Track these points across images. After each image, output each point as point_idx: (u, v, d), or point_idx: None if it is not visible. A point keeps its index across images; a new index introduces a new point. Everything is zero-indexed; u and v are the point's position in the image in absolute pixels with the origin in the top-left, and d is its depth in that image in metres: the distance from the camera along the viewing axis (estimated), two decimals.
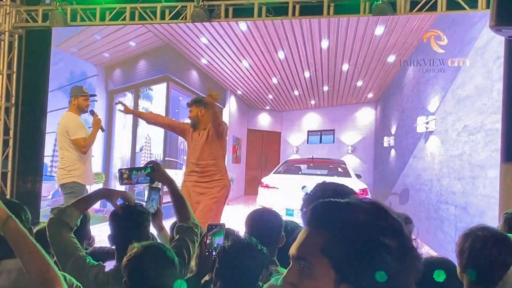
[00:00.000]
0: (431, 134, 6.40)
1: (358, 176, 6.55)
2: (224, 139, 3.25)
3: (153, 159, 5.97)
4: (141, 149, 6.41)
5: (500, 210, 4.31)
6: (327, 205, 0.64)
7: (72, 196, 3.75)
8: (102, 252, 2.06)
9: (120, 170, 1.81)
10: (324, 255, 0.60)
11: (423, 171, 6.36)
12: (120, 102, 3.69)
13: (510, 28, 2.86)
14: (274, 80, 6.37)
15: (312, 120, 7.49)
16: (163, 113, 6.20)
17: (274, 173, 5.23)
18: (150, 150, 6.72)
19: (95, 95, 4.98)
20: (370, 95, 7.78)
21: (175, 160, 6.90)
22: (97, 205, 5.67)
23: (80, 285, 1.33)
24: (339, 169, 5.26)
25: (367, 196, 4.66)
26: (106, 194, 1.71)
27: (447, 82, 5.78)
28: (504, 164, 4.27)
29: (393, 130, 7.64)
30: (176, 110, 6.75)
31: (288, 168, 5.48)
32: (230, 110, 6.81)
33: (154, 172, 1.75)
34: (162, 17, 5.38)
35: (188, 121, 3.92)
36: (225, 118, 6.64)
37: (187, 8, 5.19)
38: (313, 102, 7.14)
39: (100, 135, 5.24)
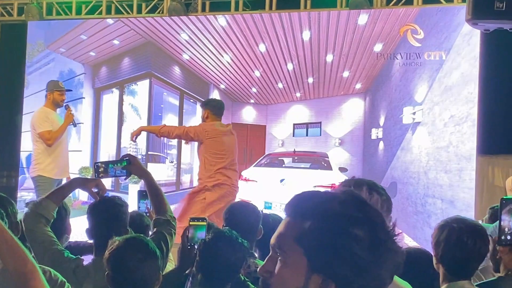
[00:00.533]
0: (419, 125, 6.42)
1: (344, 169, 6.61)
2: (202, 142, 3.28)
3: (138, 153, 6.14)
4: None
5: (476, 204, 4.41)
6: (306, 195, 0.66)
7: (39, 189, 3.83)
8: (79, 247, 2.09)
9: (96, 163, 1.81)
10: (297, 244, 0.61)
11: (411, 163, 6.41)
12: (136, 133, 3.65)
13: (486, 21, 2.92)
14: (257, 73, 6.39)
15: (298, 113, 7.53)
16: (146, 109, 6.30)
17: (254, 166, 5.29)
18: (136, 144, 6.89)
19: (70, 90, 5.05)
20: (358, 86, 7.79)
21: (158, 154, 6.99)
22: (84, 197, 5.80)
23: (65, 281, 1.34)
24: (322, 162, 5.32)
25: None
26: (80, 183, 1.72)
27: (433, 70, 5.79)
28: (480, 157, 4.35)
29: (381, 122, 7.65)
30: (162, 105, 6.85)
31: (271, 161, 5.53)
32: None
33: (130, 165, 1.76)
34: (139, 11, 5.36)
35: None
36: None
37: (164, 2, 5.17)
38: (298, 94, 7.16)
39: (88, 131, 5.89)
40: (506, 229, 1.35)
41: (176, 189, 6.07)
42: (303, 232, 0.61)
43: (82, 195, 6.00)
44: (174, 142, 6.39)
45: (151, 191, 1.76)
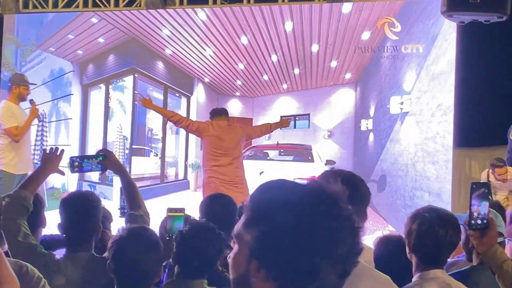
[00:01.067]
0: (407, 115, 6.31)
1: (332, 162, 6.70)
2: (202, 138, 3.48)
3: (125, 146, 6.34)
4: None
5: (453, 197, 4.54)
6: (267, 184, 0.67)
7: (1, 184, 3.93)
8: (54, 241, 2.12)
9: (71, 158, 1.84)
10: (245, 231, 0.63)
11: (400, 155, 6.49)
12: (139, 94, 3.80)
13: (461, 13, 3.02)
14: (241, 66, 6.46)
15: (285, 105, 7.59)
16: (130, 104, 6.48)
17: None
18: (122, 138, 7.10)
19: (35, 84, 5.20)
20: (348, 76, 7.83)
21: (143, 147, 7.17)
22: (72, 188, 6.04)
23: (42, 277, 1.35)
24: (305, 155, 5.43)
25: None
26: (51, 168, 1.76)
27: (421, 58, 5.80)
28: (456, 149, 4.47)
29: (371, 112, 7.70)
30: (136, 103, 6.97)
31: (255, 154, 5.65)
32: (198, 98, 6.93)
33: (106, 160, 1.82)
34: (116, 4, 5.44)
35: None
36: (193, 106, 6.85)
37: None
38: (285, 86, 7.23)
39: (77, 126, 6.37)
40: (476, 214, 1.40)
41: (160, 182, 6.23)
42: (248, 220, 0.64)
43: (71, 187, 6.23)
44: (159, 135, 6.56)
45: (126, 187, 1.83)
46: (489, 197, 1.41)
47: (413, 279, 1.47)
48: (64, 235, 1.70)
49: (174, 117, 3.70)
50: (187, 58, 6.38)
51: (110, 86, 6.51)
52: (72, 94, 6.48)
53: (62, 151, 1.80)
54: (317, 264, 0.60)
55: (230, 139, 3.73)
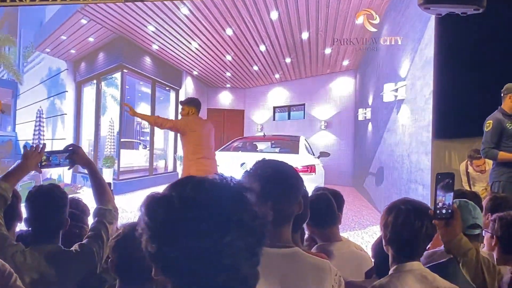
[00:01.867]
0: (402, 103, 6.36)
1: (326, 154, 6.82)
2: (185, 134, 3.78)
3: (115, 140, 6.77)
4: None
5: (431, 185, 4.69)
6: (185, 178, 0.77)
7: None
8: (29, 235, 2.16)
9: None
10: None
11: (396, 146, 6.54)
12: (127, 105, 4.16)
13: (438, 5, 3.14)
14: (229, 57, 6.71)
15: (279, 96, 7.74)
16: (118, 98, 6.89)
17: (220, 150, 5.69)
18: (113, 132, 7.58)
19: None
20: (346, 63, 7.92)
21: (132, 140, 7.58)
22: (68, 180, 6.58)
23: (13, 272, 1.42)
24: (292, 146, 5.62)
25: (313, 174, 5.00)
26: (31, 165, 1.87)
27: (416, 41, 5.91)
28: (435, 141, 4.62)
29: (370, 101, 7.71)
30: (139, 95, 7.45)
31: (243, 146, 5.89)
32: (186, 91, 7.24)
33: (74, 155, 1.92)
34: None
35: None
36: (182, 99, 7.11)
37: None
38: (277, 76, 7.39)
39: (71, 120, 7.27)
40: (440, 204, 1.50)
41: (149, 174, 6.58)
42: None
43: (66, 178, 6.75)
44: (148, 129, 6.91)
45: (94, 181, 1.91)
46: (454, 187, 1.53)
47: (390, 272, 1.58)
48: (30, 229, 1.78)
49: (157, 122, 4.01)
50: (174, 52, 6.72)
51: (103, 82, 7.02)
52: (67, 91, 7.28)
53: (43, 148, 1.92)
54: (175, 263, 0.69)
55: (207, 132, 4.04)
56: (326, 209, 2.06)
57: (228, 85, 7.47)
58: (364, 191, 7.52)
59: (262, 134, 6.70)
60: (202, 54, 6.62)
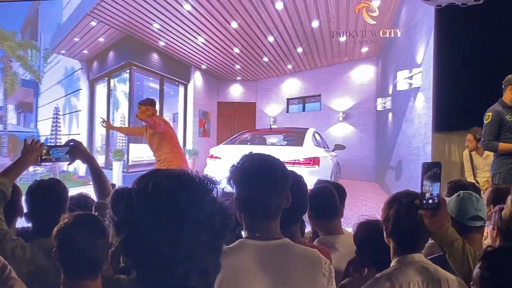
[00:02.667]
0: (418, 91, 6.76)
1: (341, 147, 7.38)
2: (164, 131, 4.57)
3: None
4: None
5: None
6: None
7: None
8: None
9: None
10: None
11: (413, 137, 6.97)
12: (105, 121, 5.08)
13: None
14: (236, 50, 7.41)
15: (292, 87, 8.31)
16: (126, 94, 7.83)
17: (224, 144, 6.45)
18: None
19: None
20: (365, 50, 8.38)
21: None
22: (82, 172, 7.69)
23: (7, 264, 1.58)
24: (297, 138, 6.26)
25: (316, 166, 5.60)
26: (32, 160, 2.10)
27: (430, 25, 6.17)
28: (435, 133, 5.15)
29: (390, 90, 8.15)
30: (151, 90, 8.40)
31: (251, 139, 6.60)
32: (195, 85, 8.05)
33: (74, 150, 2.12)
34: None
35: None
36: (190, 93, 7.97)
37: None
38: (290, 66, 8.00)
39: (85, 116, 8.42)
40: (427, 194, 1.65)
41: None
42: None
43: (81, 171, 7.82)
44: None
45: (95, 176, 2.10)
46: (440, 177, 1.67)
47: (392, 264, 1.74)
48: (31, 224, 1.95)
49: (134, 133, 4.89)
50: (181, 48, 7.62)
51: (115, 79, 8.05)
52: (81, 89, 8.55)
53: (42, 143, 2.15)
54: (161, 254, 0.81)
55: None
56: (328, 202, 2.27)
57: (238, 78, 8.19)
58: (385, 187, 8.00)
59: (269, 127, 7.37)
60: (209, 48, 7.42)
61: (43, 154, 2.13)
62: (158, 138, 5.08)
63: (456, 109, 5.05)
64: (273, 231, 1.42)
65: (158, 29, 7.14)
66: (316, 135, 6.85)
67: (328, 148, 7.46)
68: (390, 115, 8.18)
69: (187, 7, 6.43)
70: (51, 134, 8.34)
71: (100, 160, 8.51)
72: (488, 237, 2.17)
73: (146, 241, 0.82)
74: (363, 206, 6.86)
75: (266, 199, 1.40)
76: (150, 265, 0.83)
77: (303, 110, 8.44)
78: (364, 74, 8.74)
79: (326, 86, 8.34)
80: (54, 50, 8.07)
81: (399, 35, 6.18)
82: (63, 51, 8.04)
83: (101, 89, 8.46)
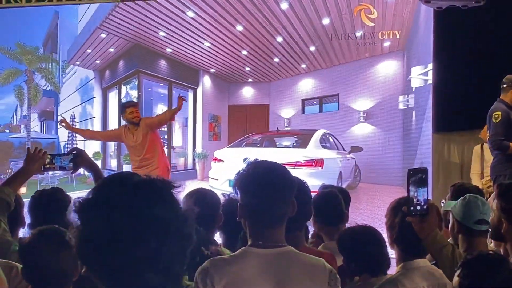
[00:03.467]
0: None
1: (358, 149, 7.92)
2: (154, 132, 5.41)
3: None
4: None
5: (432, 180, 5.73)
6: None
7: None
8: None
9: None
10: None
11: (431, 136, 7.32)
12: (62, 121, 5.95)
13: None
14: (244, 52, 8.13)
15: (308, 87, 8.88)
16: (136, 100, 8.84)
17: (229, 146, 7.20)
18: None
19: None
20: (387, 44, 8.86)
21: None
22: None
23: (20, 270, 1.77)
24: (303, 140, 6.93)
25: (319, 168, 6.24)
26: (34, 168, 2.27)
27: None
28: (435, 134, 5.68)
29: (414, 86, 8.57)
30: (162, 95, 9.41)
31: (262, 141, 7.32)
32: (204, 89, 8.88)
33: (78, 158, 2.30)
34: None
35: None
36: (199, 97, 8.84)
37: None
38: (304, 66, 8.61)
39: (98, 123, 9.89)
40: (415, 200, 1.80)
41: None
42: None
43: None
44: (165, 128, 8.80)
45: None
46: (427, 182, 1.82)
47: (397, 269, 1.90)
48: None
49: (104, 139, 5.76)
50: (188, 53, 8.66)
51: (127, 86, 9.27)
52: (95, 97, 9.98)
53: (45, 152, 2.32)
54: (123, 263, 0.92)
55: None
56: (334, 207, 2.48)
57: (250, 80, 8.90)
58: None
59: (276, 129, 8.06)
60: (216, 52, 8.27)
61: (46, 162, 2.32)
62: (150, 139, 5.86)
63: (455, 110, 5.56)
64: (277, 239, 1.55)
65: (164, 36, 8.19)
66: (328, 137, 7.45)
67: (343, 150, 8.02)
68: (414, 113, 8.59)
69: (190, 14, 7.32)
70: (68, 140, 9.74)
71: (113, 163, 9.77)
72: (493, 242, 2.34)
73: (99, 249, 0.93)
74: (379, 211, 7.35)
75: (271, 207, 1.53)
76: (103, 275, 0.95)
77: (320, 111, 9.00)
78: (388, 70, 9.20)
79: (344, 84, 8.86)
80: (70, 62, 9.60)
81: (397, 36, 6.70)
82: (78, 62, 9.50)
83: (113, 97, 9.69)
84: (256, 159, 1.66)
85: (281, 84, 8.95)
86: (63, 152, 2.48)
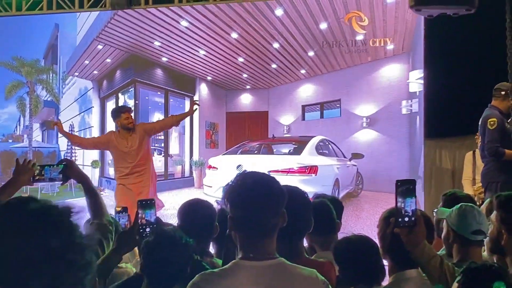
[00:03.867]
0: None
1: (359, 156, 8.17)
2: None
3: None
4: None
5: (424, 186, 6.01)
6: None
7: None
8: None
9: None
10: None
11: None
12: (57, 123, 6.28)
13: (429, 7, 4.17)
14: (241, 59, 8.50)
15: (308, 93, 9.14)
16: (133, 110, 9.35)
17: (224, 154, 7.57)
18: None
19: None
20: (390, 47, 9.10)
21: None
22: (95, 183, 9.35)
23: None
24: (298, 147, 7.26)
25: (313, 175, 6.55)
26: (23, 180, 2.38)
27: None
28: (427, 140, 5.97)
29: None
30: (160, 104, 9.84)
31: (260, 148, 7.68)
32: (200, 97, 9.26)
33: (67, 169, 2.40)
34: (81, 5, 8.09)
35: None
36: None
37: None
38: (303, 71, 8.88)
39: (97, 132, 10.57)
40: (402, 211, 1.86)
41: (164, 178, 9.43)
42: None
43: (94, 182, 9.50)
44: (162, 136, 9.25)
45: (89, 195, 2.39)
46: (414, 193, 1.90)
47: (389, 280, 1.99)
48: None
49: (92, 147, 6.11)
50: (183, 61, 9.42)
51: (125, 96, 10.30)
52: (93, 107, 10.70)
53: (35, 163, 2.43)
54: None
55: None
56: (325, 217, 2.58)
57: (248, 87, 9.24)
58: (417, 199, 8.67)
59: (272, 136, 8.41)
60: (212, 59, 8.81)
61: (36, 174, 2.42)
62: (146, 146, 6.18)
63: (446, 116, 5.85)
64: (268, 251, 1.62)
65: (159, 46, 8.81)
66: (328, 143, 7.74)
67: (344, 157, 8.29)
68: (418, 118, 8.80)
69: (184, 23, 7.85)
70: (67, 149, 10.47)
71: (111, 172, 10.28)
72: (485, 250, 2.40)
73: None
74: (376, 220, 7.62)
75: (260, 218, 1.59)
76: None
77: (321, 117, 9.27)
78: (392, 73, 9.43)
79: (346, 89, 9.12)
80: (69, 73, 10.34)
81: (389, 44, 6.97)
82: (76, 73, 10.23)
83: (110, 106, 10.28)
84: (245, 170, 1.74)
85: (280, 90, 9.25)
86: (53, 163, 2.54)
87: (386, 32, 8.08)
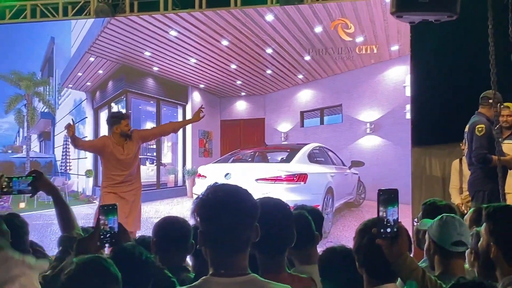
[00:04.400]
0: None
1: (359, 164, 8.40)
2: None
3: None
4: None
5: (412, 194, 6.28)
6: None
7: None
8: None
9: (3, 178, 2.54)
10: None
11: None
12: (69, 126, 6.39)
13: (411, 14, 4.30)
14: (233, 66, 8.85)
15: (307, 98, 9.35)
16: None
17: (215, 162, 7.93)
18: None
19: None
20: (394, 48, 9.29)
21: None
22: (88, 192, 9.94)
23: None
24: (289, 154, 7.57)
25: (301, 183, 6.84)
26: None
27: None
28: (415, 148, 6.24)
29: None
30: (153, 113, 10.37)
31: (254, 156, 8.02)
32: (193, 105, 9.64)
33: (36, 181, 2.49)
34: (65, 13, 8.45)
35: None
36: (188, 114, 9.74)
37: (91, 3, 8.04)
38: (300, 76, 9.13)
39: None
40: (384, 221, 1.91)
41: (156, 188, 9.96)
42: None
43: (87, 191, 10.68)
44: (154, 145, 9.77)
45: (59, 208, 2.50)
46: (397, 203, 1.95)
47: None
48: None
49: (91, 149, 6.51)
50: (174, 70, 10.02)
51: (118, 106, 11.05)
52: (86, 117, 11.42)
53: (2, 175, 2.52)
54: None
55: None
56: (303, 229, 2.59)
57: (242, 94, 9.55)
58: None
59: (264, 144, 8.75)
60: (204, 67, 9.32)
61: (3, 186, 2.51)
62: (138, 154, 6.48)
63: (434, 123, 6.10)
64: (239, 267, 1.65)
65: (150, 56, 9.41)
66: (325, 151, 8.00)
67: (343, 165, 8.53)
68: None
69: (173, 33, 8.41)
70: (62, 159, 11.22)
71: None
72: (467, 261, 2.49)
73: None
74: None
75: (231, 233, 1.62)
76: None
77: (321, 123, 9.50)
78: (397, 76, 9.61)
79: (348, 94, 9.33)
80: (63, 85, 11.11)
81: (375, 51, 7.23)
82: (70, 85, 11.02)
83: (104, 116, 10.97)
84: (216, 183, 1.75)
85: (277, 96, 9.50)
86: (18, 176, 2.61)
87: (388, 32, 8.36)
